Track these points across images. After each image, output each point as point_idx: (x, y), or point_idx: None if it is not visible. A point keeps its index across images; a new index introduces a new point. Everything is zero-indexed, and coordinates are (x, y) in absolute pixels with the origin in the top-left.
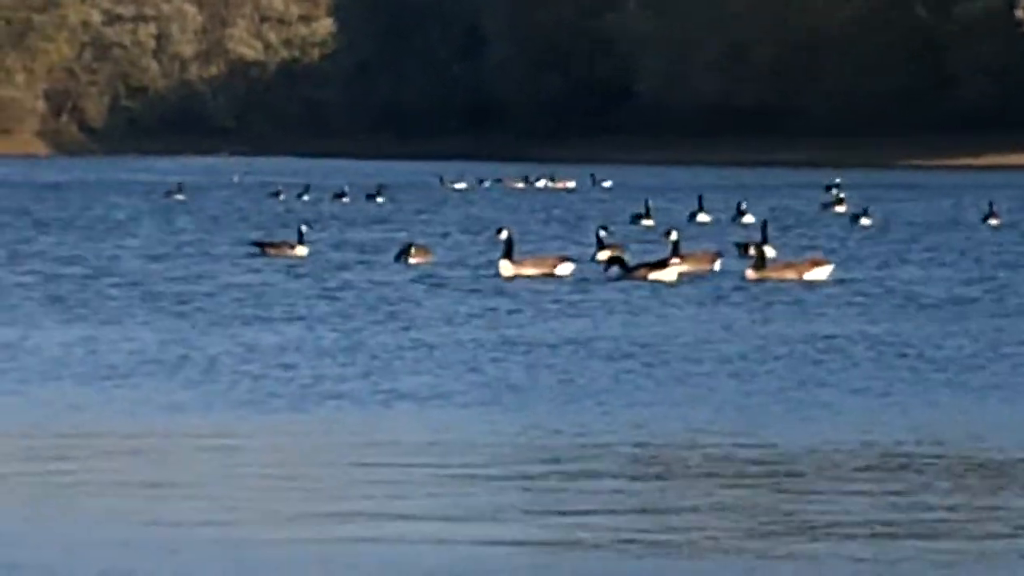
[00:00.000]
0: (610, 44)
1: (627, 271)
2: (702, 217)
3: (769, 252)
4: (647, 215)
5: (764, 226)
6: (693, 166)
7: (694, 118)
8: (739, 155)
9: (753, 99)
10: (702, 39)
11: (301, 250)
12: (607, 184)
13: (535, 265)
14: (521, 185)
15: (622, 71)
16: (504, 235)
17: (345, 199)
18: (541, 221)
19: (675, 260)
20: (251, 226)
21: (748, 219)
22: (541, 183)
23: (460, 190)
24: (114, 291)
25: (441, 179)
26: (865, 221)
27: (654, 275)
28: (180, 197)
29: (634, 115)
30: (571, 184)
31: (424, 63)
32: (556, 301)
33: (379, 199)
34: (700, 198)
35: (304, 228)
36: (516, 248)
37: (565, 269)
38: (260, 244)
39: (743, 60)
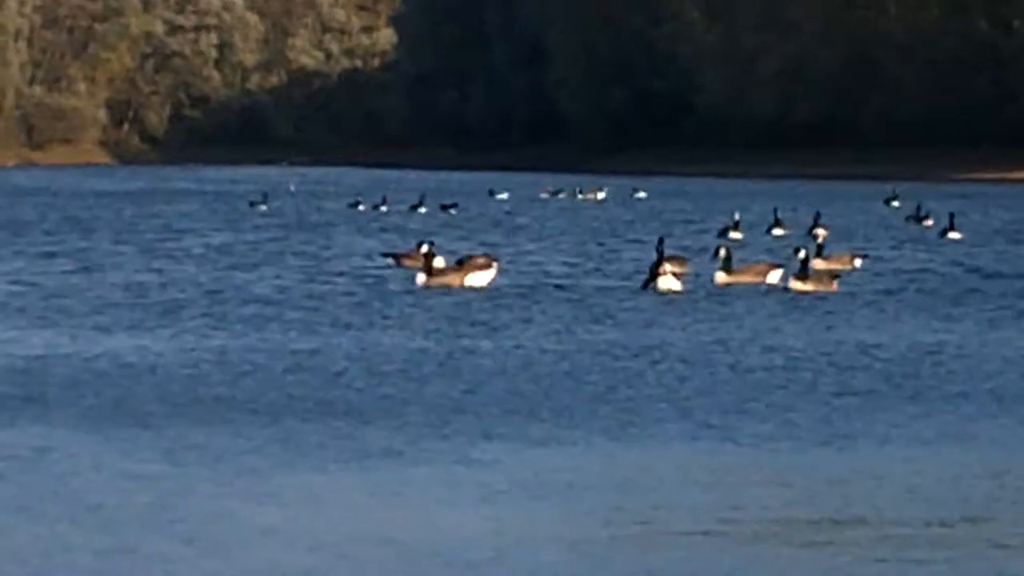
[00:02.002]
0: (671, 58)
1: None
2: (777, 231)
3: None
4: (736, 228)
5: (814, 237)
6: (754, 178)
7: (754, 130)
8: (798, 167)
9: (812, 112)
10: (762, 53)
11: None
12: (641, 195)
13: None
14: (545, 195)
15: (682, 85)
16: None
17: (422, 209)
18: (610, 232)
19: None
20: (349, 236)
21: (820, 232)
22: (562, 195)
23: (502, 200)
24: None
25: (491, 192)
26: (954, 235)
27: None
28: (263, 208)
29: (694, 128)
30: (601, 195)
31: (486, 75)
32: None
33: (453, 211)
34: (775, 212)
35: (428, 242)
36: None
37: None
38: (394, 255)
39: (802, 73)
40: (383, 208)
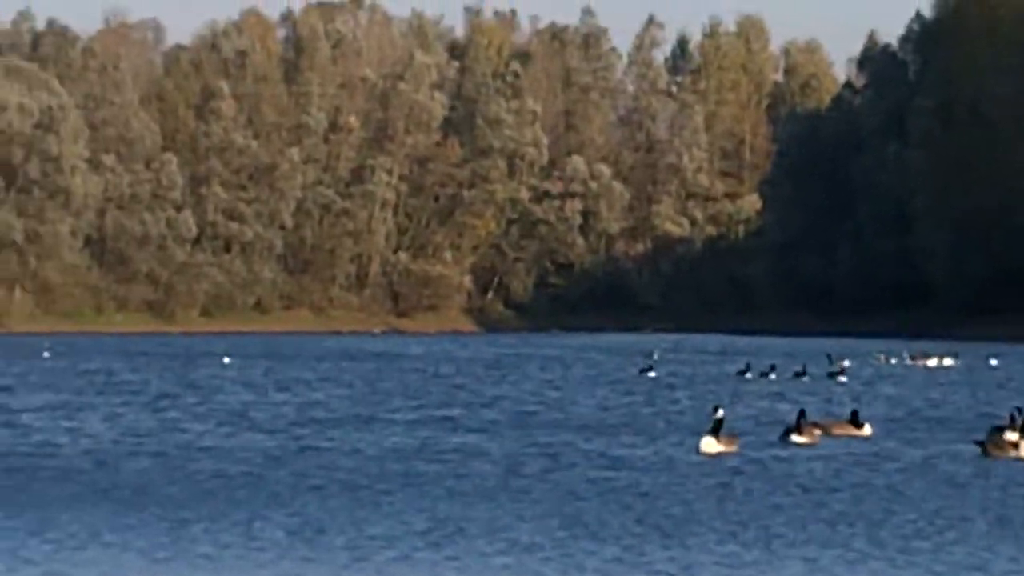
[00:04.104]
0: None
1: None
2: None
3: None
4: None
5: None
6: None
7: None
8: None
9: None
10: None
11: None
12: (993, 363)
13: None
14: (881, 359)
15: None
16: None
17: (805, 377)
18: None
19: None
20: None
21: None
22: (907, 359)
23: (846, 368)
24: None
25: (829, 357)
26: None
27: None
28: (652, 374)
29: None
30: (949, 361)
31: (851, 240)
32: None
33: (842, 378)
34: None
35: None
36: None
37: None
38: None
39: None
40: (771, 376)
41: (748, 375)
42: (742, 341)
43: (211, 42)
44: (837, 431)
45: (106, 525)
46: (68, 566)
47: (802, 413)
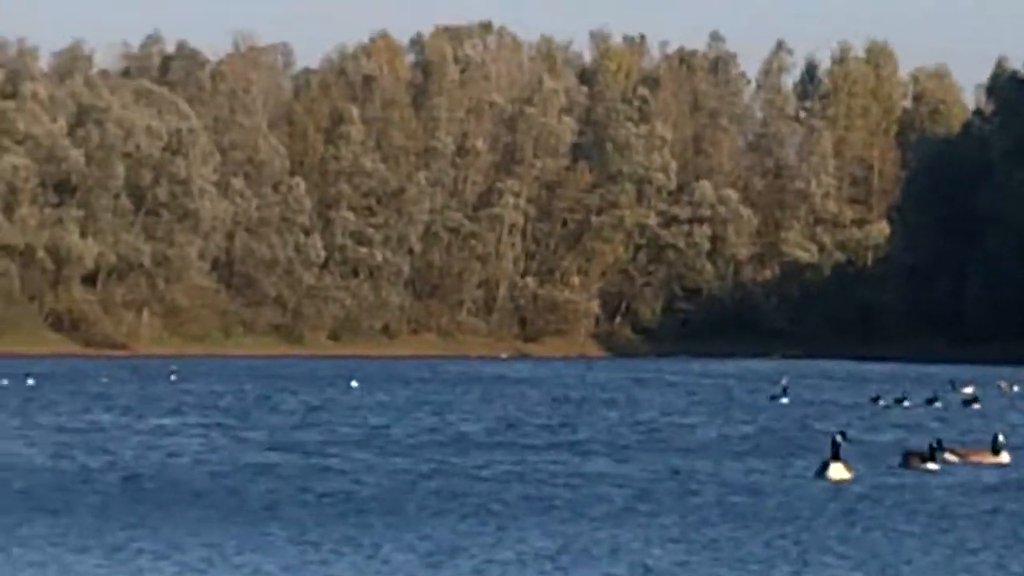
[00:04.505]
0: None
1: None
2: None
3: None
4: None
5: None
6: None
7: None
8: None
9: None
10: None
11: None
12: None
13: None
14: (1004, 387)
15: None
16: None
17: (937, 403)
18: None
19: None
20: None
21: None
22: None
23: (970, 396)
24: None
25: (953, 384)
26: None
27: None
28: (784, 400)
29: None
30: None
31: (980, 266)
32: None
33: (976, 405)
34: None
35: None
36: None
37: None
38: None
39: None
40: (905, 403)
41: (881, 402)
42: (871, 367)
43: (340, 66)
44: (974, 458)
45: (235, 547)
46: None
47: (938, 442)
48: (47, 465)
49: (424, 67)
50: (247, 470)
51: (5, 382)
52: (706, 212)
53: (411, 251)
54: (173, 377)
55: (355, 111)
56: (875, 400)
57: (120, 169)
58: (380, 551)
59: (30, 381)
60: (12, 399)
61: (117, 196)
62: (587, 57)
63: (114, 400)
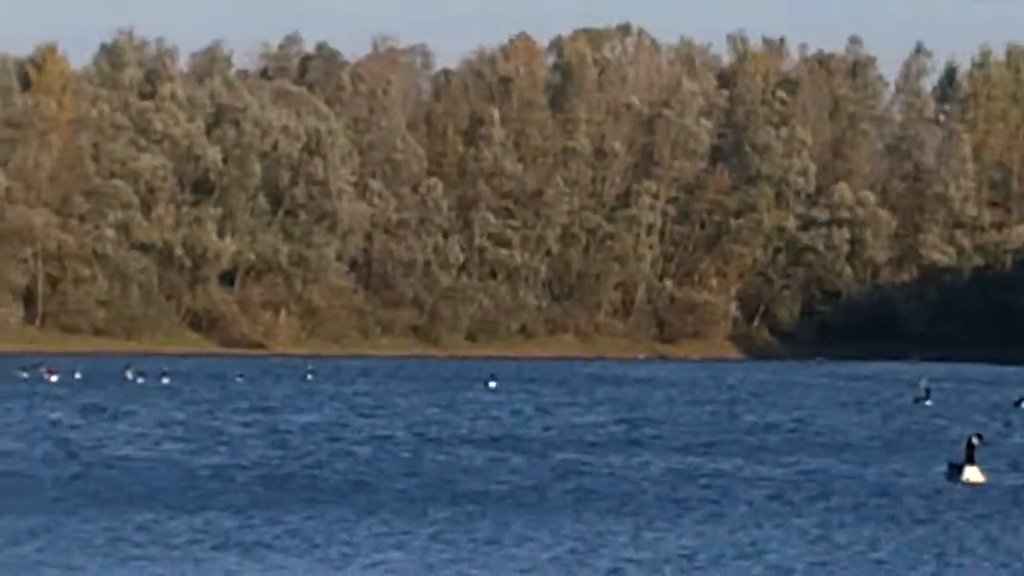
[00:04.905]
0: None
1: None
2: None
3: None
4: None
5: None
6: None
7: None
8: None
9: None
10: None
11: None
12: None
13: None
14: None
15: None
16: None
17: None
18: None
19: None
20: None
21: None
22: None
23: None
24: None
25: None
26: None
27: None
28: (928, 403)
29: None
30: None
31: None
32: None
33: None
34: None
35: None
36: None
37: None
38: None
39: None
40: None
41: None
42: (1011, 371)
43: (478, 67)
44: None
45: (373, 544)
46: None
47: None
48: (180, 463)
49: (563, 69)
50: (386, 469)
51: (141, 380)
52: (845, 215)
53: (549, 252)
54: (309, 376)
55: (496, 113)
56: (1018, 403)
57: (257, 168)
58: (518, 550)
59: (165, 380)
60: (147, 398)
61: (254, 196)
62: (725, 60)
63: (247, 399)
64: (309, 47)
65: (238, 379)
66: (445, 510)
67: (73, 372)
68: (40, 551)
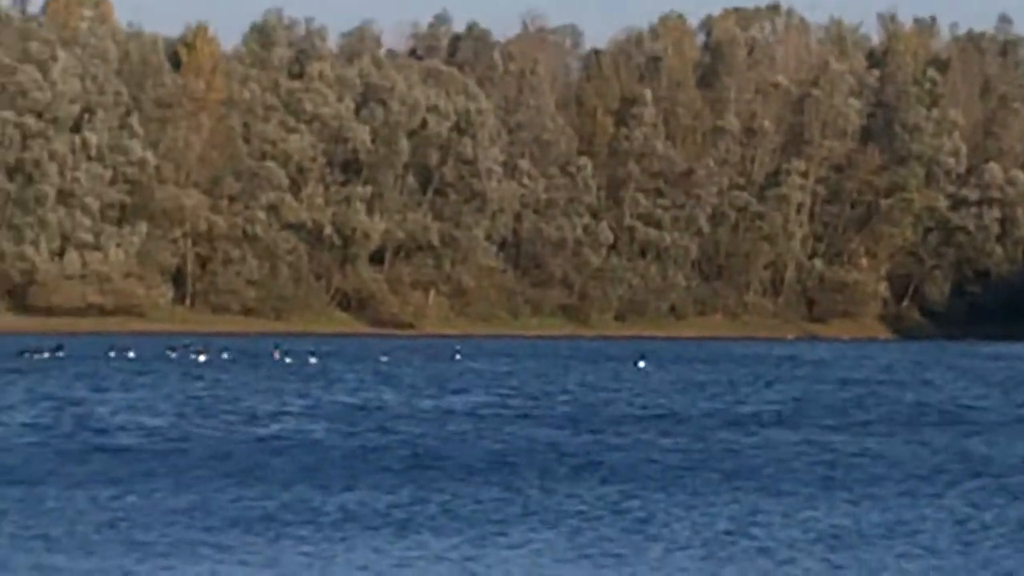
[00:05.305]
0: None
1: None
2: None
3: None
4: None
5: None
6: None
7: None
8: None
9: None
10: None
11: None
12: None
13: None
14: None
15: None
16: None
17: None
18: None
19: None
20: None
21: None
22: None
23: None
24: None
25: None
26: None
27: None
28: None
29: None
30: None
31: None
32: None
33: None
34: None
35: None
36: None
37: None
38: None
39: None
40: None
41: None
42: None
43: (628, 47)
44: None
45: (519, 521)
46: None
47: None
48: (328, 441)
49: (713, 49)
50: (530, 447)
51: (288, 360)
52: (995, 194)
53: (699, 232)
54: (458, 356)
55: (648, 93)
56: None
57: (405, 147)
58: (665, 529)
59: (312, 359)
60: (293, 377)
61: (403, 175)
62: (875, 40)
63: (398, 378)
64: (458, 27)
65: (384, 359)
66: (587, 488)
67: (221, 352)
68: (189, 528)
